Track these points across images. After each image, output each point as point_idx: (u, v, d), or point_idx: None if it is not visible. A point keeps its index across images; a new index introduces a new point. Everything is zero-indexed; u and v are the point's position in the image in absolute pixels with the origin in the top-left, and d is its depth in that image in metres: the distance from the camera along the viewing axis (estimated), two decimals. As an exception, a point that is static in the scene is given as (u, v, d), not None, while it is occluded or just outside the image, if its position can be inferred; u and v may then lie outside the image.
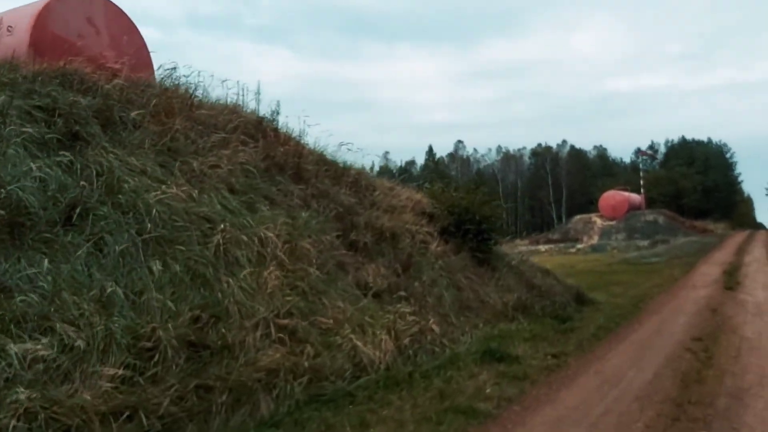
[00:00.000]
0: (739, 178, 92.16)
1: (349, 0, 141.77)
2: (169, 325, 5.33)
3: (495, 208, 12.49)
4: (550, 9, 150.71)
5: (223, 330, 5.75)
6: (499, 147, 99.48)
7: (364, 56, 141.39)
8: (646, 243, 50.22)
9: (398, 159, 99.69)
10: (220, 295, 6.15)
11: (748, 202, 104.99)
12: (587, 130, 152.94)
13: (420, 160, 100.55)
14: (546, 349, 8.57)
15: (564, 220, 71.67)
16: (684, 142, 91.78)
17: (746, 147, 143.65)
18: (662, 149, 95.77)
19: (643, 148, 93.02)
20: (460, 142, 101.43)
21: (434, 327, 7.88)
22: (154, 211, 6.51)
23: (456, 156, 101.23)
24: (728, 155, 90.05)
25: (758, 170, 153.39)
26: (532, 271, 13.06)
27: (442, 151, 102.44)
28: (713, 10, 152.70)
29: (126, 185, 6.67)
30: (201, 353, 5.45)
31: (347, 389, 6.04)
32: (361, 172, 11.90)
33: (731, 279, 18.91)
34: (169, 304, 5.62)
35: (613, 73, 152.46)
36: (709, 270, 23.12)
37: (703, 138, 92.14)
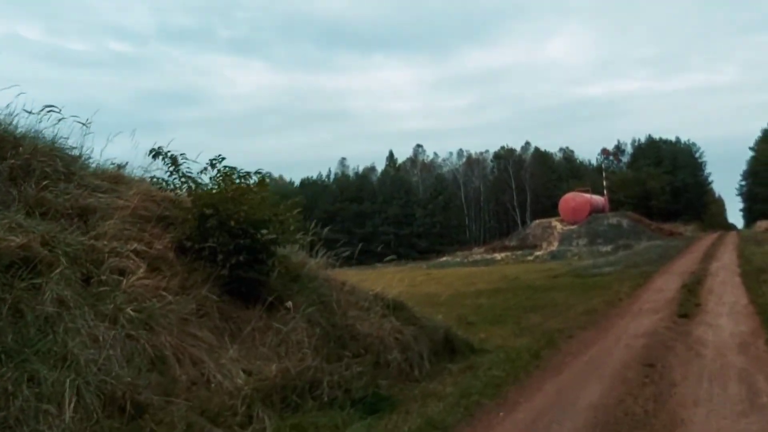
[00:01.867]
0: (709, 179, 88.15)
1: (323, 11, 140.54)
2: None
3: (268, 208, 7.28)
4: (524, 17, 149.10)
5: None
6: (461, 150, 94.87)
7: (339, 66, 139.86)
8: (609, 248, 45.88)
9: (357, 166, 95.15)
10: None
11: (719, 203, 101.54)
12: (559, 136, 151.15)
13: (381, 167, 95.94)
14: None
15: (529, 224, 67.06)
16: (651, 142, 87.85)
17: (717, 150, 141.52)
18: (629, 149, 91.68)
19: (610, 148, 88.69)
20: (419, 146, 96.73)
21: None
22: None
23: (416, 161, 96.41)
24: (697, 155, 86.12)
25: (729, 173, 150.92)
26: (360, 310, 8.05)
27: (407, 156, 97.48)
28: (683, 15, 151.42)
29: None
30: None
31: None
32: (37, 149, 6.80)
33: (690, 299, 14.16)
34: None
35: (585, 79, 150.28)
36: (667, 283, 18.41)
37: (671, 138, 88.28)
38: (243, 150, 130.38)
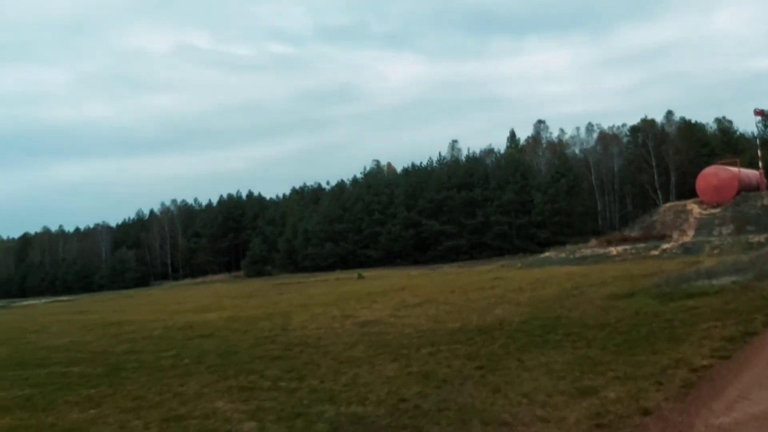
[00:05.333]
0: None
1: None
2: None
3: None
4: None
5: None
6: (590, 125, 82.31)
7: (492, 53, 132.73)
8: (763, 238, 33.98)
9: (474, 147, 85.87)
10: None
11: None
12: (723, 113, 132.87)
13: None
14: None
15: (657, 209, 54.63)
16: (832, 102, 70.59)
17: None
18: (801, 113, 74.20)
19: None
20: (541, 122, 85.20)
21: None
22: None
23: (538, 139, 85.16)
24: None
25: None
26: None
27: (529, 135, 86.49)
28: None
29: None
30: None
31: None
32: None
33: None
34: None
35: (756, 51, 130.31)
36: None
37: None
38: (394, 144, 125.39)
